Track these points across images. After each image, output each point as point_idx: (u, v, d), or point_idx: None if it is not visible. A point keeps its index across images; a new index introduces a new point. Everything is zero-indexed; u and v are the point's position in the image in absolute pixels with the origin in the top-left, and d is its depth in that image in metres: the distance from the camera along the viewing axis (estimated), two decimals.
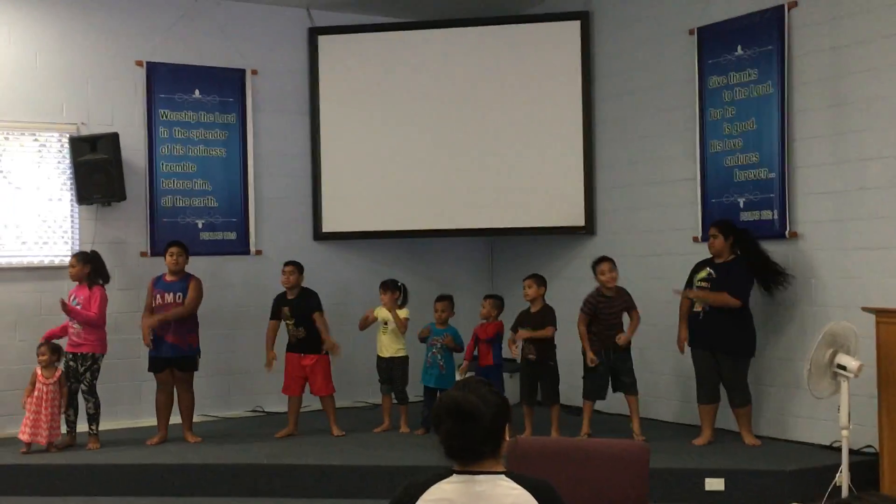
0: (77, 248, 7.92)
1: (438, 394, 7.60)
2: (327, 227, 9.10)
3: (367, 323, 7.95)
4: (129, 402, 8.21)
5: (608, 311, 7.18)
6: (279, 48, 9.01)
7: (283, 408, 7.87)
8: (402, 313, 7.81)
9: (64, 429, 7.30)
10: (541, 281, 7.43)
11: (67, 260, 7.61)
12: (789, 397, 7.02)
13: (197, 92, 8.60)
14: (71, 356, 7.28)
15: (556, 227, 8.82)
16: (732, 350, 6.87)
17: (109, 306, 7.48)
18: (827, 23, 6.78)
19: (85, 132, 8.08)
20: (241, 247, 8.76)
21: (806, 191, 6.94)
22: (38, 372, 7.15)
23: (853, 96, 6.63)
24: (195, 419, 7.70)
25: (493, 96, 8.95)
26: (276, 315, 7.77)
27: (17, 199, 7.95)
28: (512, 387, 7.85)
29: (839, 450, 5.80)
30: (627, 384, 7.18)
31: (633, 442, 3.82)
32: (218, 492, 6.58)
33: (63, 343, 7.32)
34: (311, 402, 8.04)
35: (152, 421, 7.67)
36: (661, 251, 7.91)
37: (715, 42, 7.53)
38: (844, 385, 5.63)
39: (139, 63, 8.39)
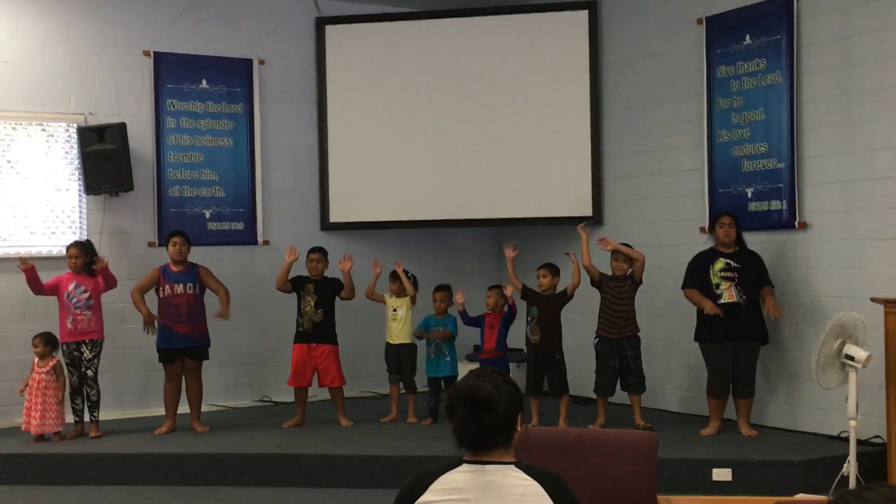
0: (85, 238, 7.92)
1: (443, 384, 7.62)
2: (334, 217, 9.11)
3: (372, 291, 7.93)
4: (136, 392, 8.23)
5: (614, 292, 7.17)
6: (286, 38, 9.00)
7: (291, 398, 7.88)
8: (407, 302, 7.82)
9: (71, 418, 7.32)
10: (555, 270, 7.43)
11: (66, 250, 7.55)
12: (797, 388, 7.01)
13: (204, 82, 8.60)
14: (74, 345, 7.28)
15: (564, 217, 8.81)
16: (757, 336, 6.89)
17: (118, 295, 7.53)
18: (836, 12, 6.75)
19: (93, 122, 8.09)
20: (248, 237, 8.77)
21: (814, 181, 6.92)
22: (35, 362, 7.20)
23: (862, 86, 6.60)
24: (203, 409, 7.72)
25: (501, 86, 8.93)
26: (295, 284, 7.74)
27: (26, 190, 7.96)
28: (519, 377, 7.86)
29: (847, 440, 5.79)
30: (633, 384, 7.19)
31: (641, 432, 3.82)
32: (226, 481, 6.60)
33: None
34: (318, 392, 8.05)
35: (160, 410, 7.70)
36: (669, 241, 7.90)
37: (723, 31, 7.50)
38: (852, 375, 5.62)
39: (147, 53, 8.39)
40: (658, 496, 3.55)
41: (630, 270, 7.21)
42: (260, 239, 8.79)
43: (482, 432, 2.70)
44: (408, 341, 7.86)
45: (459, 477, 2.71)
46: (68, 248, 7.49)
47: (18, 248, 7.89)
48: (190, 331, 7.47)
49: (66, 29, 8.12)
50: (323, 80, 9.10)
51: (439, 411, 7.64)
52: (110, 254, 7.94)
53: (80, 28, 8.17)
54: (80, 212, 8.14)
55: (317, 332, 7.67)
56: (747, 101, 7.34)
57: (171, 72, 8.48)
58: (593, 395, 8.03)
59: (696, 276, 7.03)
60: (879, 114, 6.50)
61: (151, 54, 8.40)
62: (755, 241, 7.11)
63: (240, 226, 8.76)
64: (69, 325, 7.29)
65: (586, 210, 8.66)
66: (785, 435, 6.93)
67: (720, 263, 6.92)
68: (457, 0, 9.13)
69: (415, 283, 7.95)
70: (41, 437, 7.14)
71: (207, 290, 7.66)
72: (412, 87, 9.09)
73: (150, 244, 8.34)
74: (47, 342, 7.26)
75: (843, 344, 5.64)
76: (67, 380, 7.27)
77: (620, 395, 7.43)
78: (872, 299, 6.18)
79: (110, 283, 7.44)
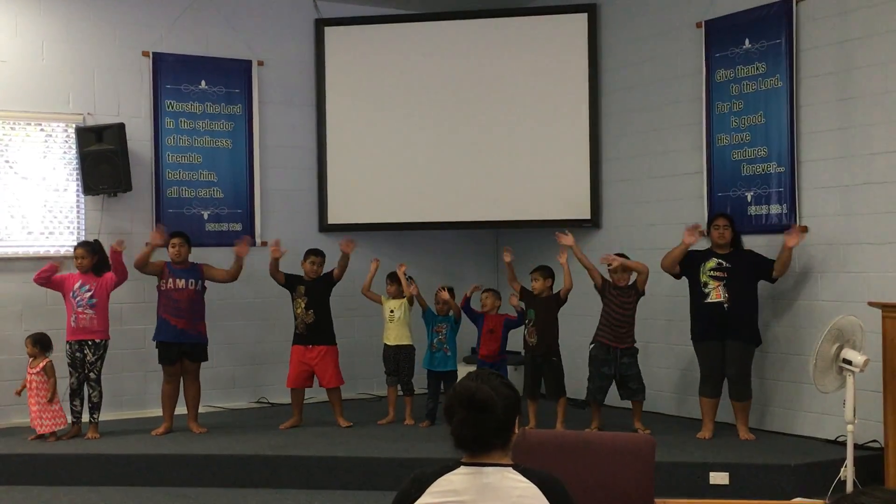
0: (83, 239, 7.92)
1: (443, 385, 7.63)
2: (333, 218, 9.10)
3: (368, 288, 7.93)
4: (134, 393, 8.23)
5: (616, 300, 7.17)
6: (286, 39, 9.00)
7: (288, 399, 7.87)
8: (404, 304, 7.83)
9: (70, 419, 7.32)
10: (548, 273, 7.44)
11: (73, 251, 7.61)
12: (795, 392, 7.01)
13: (203, 83, 8.60)
14: (77, 345, 7.28)
15: (562, 220, 8.80)
16: (747, 338, 6.87)
17: (115, 296, 7.53)
18: (835, 17, 6.76)
19: (91, 122, 8.08)
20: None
21: (813, 185, 6.92)
22: (28, 363, 7.23)
23: (861, 90, 6.61)
24: (200, 410, 7.71)
25: (500, 89, 8.93)
26: (288, 282, 7.76)
27: (24, 190, 7.96)
28: (516, 380, 7.86)
29: (844, 444, 5.80)
30: (634, 390, 7.19)
31: (638, 435, 3.82)
32: (223, 482, 6.59)
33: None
34: (315, 394, 8.05)
35: (157, 411, 7.69)
36: (667, 245, 7.86)
37: (722, 35, 7.51)
38: (850, 380, 5.62)
39: (146, 53, 8.39)
40: (655, 499, 3.55)
41: (633, 281, 7.21)
42: (258, 240, 8.78)
43: (480, 434, 2.70)
44: (405, 343, 7.85)
45: (457, 479, 2.71)
46: (75, 248, 7.51)
47: (16, 248, 7.89)
48: (187, 326, 7.48)
49: (65, 29, 8.12)
50: (322, 81, 9.09)
51: (437, 413, 7.64)
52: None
53: (79, 28, 8.16)
54: (79, 212, 8.13)
55: (311, 333, 7.68)
56: (747, 105, 7.35)
57: (170, 72, 8.48)
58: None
59: (685, 262, 7.04)
60: (878, 118, 6.51)
61: (150, 55, 8.40)
62: (754, 244, 7.11)
63: (238, 227, 8.75)
64: (72, 324, 7.30)
65: (584, 213, 8.67)
66: (782, 439, 6.93)
67: (712, 262, 6.95)
68: (456, 2, 9.13)
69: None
70: (41, 437, 7.14)
71: (208, 293, 7.68)
72: (411, 90, 9.09)
73: (148, 245, 8.32)
74: (35, 343, 7.26)
75: (840, 348, 5.65)
76: (57, 380, 7.25)
77: (616, 399, 7.42)
78: (870, 303, 6.18)
79: (120, 273, 7.41)
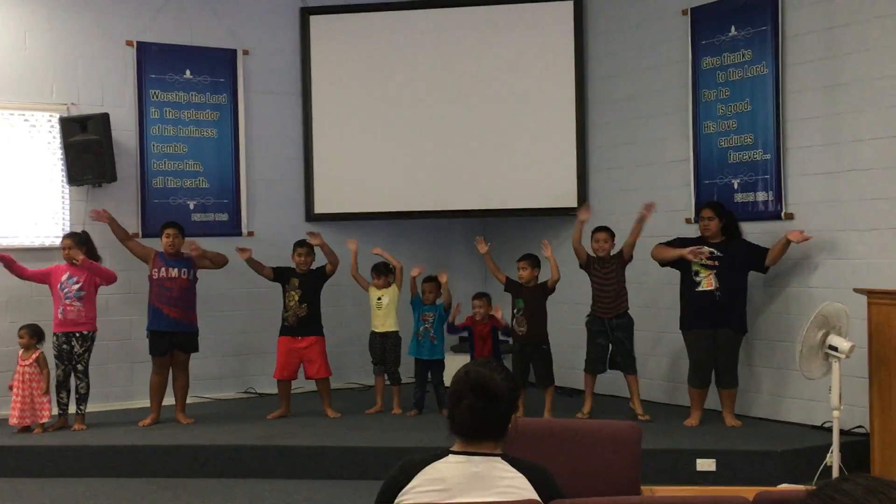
0: (68, 230, 7.88)
1: (430, 375, 7.63)
2: (319, 208, 9.08)
3: (355, 270, 7.92)
4: (121, 384, 8.20)
5: (601, 273, 7.21)
6: (271, 28, 8.95)
7: (276, 389, 7.86)
8: (392, 291, 7.82)
9: (56, 410, 7.29)
10: (535, 261, 7.44)
11: (58, 241, 7.57)
12: (781, 378, 7.04)
13: (188, 72, 8.55)
14: (64, 337, 7.25)
15: (549, 209, 8.82)
16: (736, 326, 6.89)
17: (102, 288, 7.49)
18: (820, 4, 6.76)
19: (75, 112, 8.02)
20: (232, 228, 8.73)
21: (800, 172, 6.94)
22: (19, 354, 7.17)
23: (847, 77, 6.62)
24: (187, 401, 7.69)
25: (486, 77, 8.91)
26: (279, 275, 7.74)
27: (8, 180, 7.90)
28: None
29: (830, 430, 5.82)
30: (621, 364, 7.21)
31: (625, 423, 3.82)
32: (210, 473, 6.58)
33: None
34: (303, 384, 8.04)
35: (144, 403, 7.67)
36: (654, 233, 7.87)
37: (708, 22, 7.50)
38: (836, 366, 5.65)
39: (130, 43, 8.34)
40: (642, 486, 3.56)
41: (614, 251, 7.24)
42: (244, 230, 8.75)
43: (486, 422, 2.71)
44: (392, 329, 7.85)
45: (445, 467, 2.71)
46: (63, 239, 7.47)
47: (1, 240, 7.84)
48: (180, 316, 7.47)
49: (48, 18, 8.06)
50: (307, 70, 9.06)
51: (424, 402, 7.64)
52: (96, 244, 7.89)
53: (62, 17, 8.10)
54: (63, 202, 8.08)
55: (301, 325, 7.66)
56: (733, 93, 7.35)
57: (155, 62, 8.42)
58: (578, 387, 8.04)
59: (676, 245, 7.06)
60: (864, 105, 6.52)
61: (135, 44, 8.35)
62: None
63: (224, 217, 8.72)
64: (60, 316, 7.26)
65: (571, 201, 8.66)
66: (769, 425, 6.96)
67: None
68: None
69: (394, 274, 7.91)
70: (26, 429, 7.11)
71: (201, 280, 7.66)
72: (397, 78, 9.06)
73: (134, 235, 8.28)
74: (33, 334, 7.23)
75: (826, 334, 5.67)
76: (52, 372, 7.23)
77: (614, 387, 7.45)
78: (856, 290, 6.21)
79: (108, 279, 7.41)
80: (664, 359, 7.86)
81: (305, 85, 9.07)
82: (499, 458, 2.73)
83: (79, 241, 7.40)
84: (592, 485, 3.46)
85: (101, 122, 7.89)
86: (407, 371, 7.96)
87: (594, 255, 7.31)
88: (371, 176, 9.07)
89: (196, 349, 7.65)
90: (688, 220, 7.62)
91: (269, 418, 7.58)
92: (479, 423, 2.71)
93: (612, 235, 7.31)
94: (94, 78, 8.20)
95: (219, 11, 8.69)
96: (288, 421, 7.53)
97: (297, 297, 7.65)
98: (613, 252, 7.30)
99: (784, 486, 5.53)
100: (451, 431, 2.75)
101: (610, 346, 7.27)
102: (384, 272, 7.86)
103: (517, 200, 8.90)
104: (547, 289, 7.35)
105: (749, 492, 2.83)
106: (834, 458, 5.68)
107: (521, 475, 2.70)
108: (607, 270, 7.25)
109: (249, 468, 6.59)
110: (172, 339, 7.48)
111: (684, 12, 7.68)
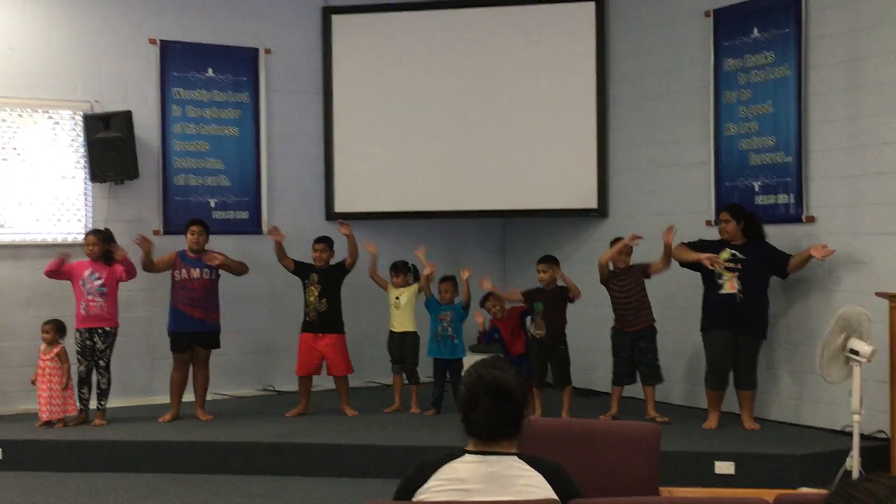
0: (90, 226, 7.94)
1: (449, 371, 7.63)
2: (339, 207, 9.10)
3: (375, 271, 7.93)
4: (141, 380, 8.25)
5: (620, 288, 7.19)
6: (293, 27, 8.98)
7: (295, 387, 7.89)
8: (410, 291, 7.83)
9: (78, 406, 7.33)
10: (553, 262, 7.44)
11: (81, 238, 7.63)
12: (801, 382, 7.00)
13: (210, 70, 8.60)
14: (87, 333, 7.30)
15: (569, 210, 8.81)
16: (756, 331, 6.87)
17: (124, 284, 7.54)
18: (844, 6, 6.72)
19: (98, 110, 8.08)
20: (253, 226, 8.76)
21: (821, 174, 6.90)
22: (41, 349, 7.23)
23: (869, 80, 6.58)
24: (206, 397, 7.72)
25: (508, 78, 8.91)
26: (299, 269, 7.77)
27: (31, 177, 7.97)
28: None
29: (850, 434, 5.79)
30: (645, 375, 7.21)
31: (644, 424, 3.81)
32: (229, 469, 6.61)
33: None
34: (322, 382, 8.06)
35: (164, 399, 7.71)
36: (674, 235, 7.87)
37: (731, 24, 7.47)
38: (857, 370, 5.61)
39: (153, 41, 8.39)
40: (660, 488, 3.55)
41: (631, 264, 7.21)
42: (265, 228, 8.78)
43: (505, 422, 2.71)
44: (410, 329, 7.86)
45: (462, 467, 2.71)
46: (86, 235, 7.52)
47: (24, 236, 7.91)
48: (203, 316, 7.51)
49: (73, 16, 8.12)
50: (329, 69, 9.08)
51: (443, 402, 7.64)
52: (116, 242, 7.95)
53: (86, 15, 8.16)
54: (86, 199, 8.15)
55: (322, 321, 7.68)
56: (755, 95, 7.32)
57: (178, 60, 8.47)
58: (597, 388, 8.04)
59: (698, 248, 7.02)
60: (887, 108, 6.47)
61: (158, 42, 8.40)
62: None
63: (244, 215, 8.76)
64: (82, 312, 7.31)
65: (591, 202, 8.65)
66: (788, 429, 6.92)
67: (726, 254, 6.89)
68: None
69: (416, 275, 7.94)
70: (48, 424, 7.16)
71: (222, 278, 7.70)
72: (418, 78, 9.07)
73: (155, 232, 8.34)
74: (58, 329, 7.28)
75: (847, 338, 5.63)
76: (74, 367, 7.29)
77: (634, 389, 7.43)
78: (878, 294, 6.17)
79: (130, 273, 7.44)
80: (682, 361, 7.83)
81: (327, 84, 9.09)
82: (515, 458, 2.73)
83: (102, 238, 7.45)
84: (611, 486, 3.46)
85: (124, 119, 7.94)
86: (425, 371, 7.97)
87: (613, 268, 7.27)
88: (391, 175, 9.08)
89: (217, 345, 7.69)
90: (708, 223, 7.59)
91: (288, 416, 7.60)
92: (498, 424, 2.71)
93: (631, 247, 7.26)
94: (118, 75, 8.26)
95: (241, 10, 8.73)
96: (306, 419, 7.55)
97: (316, 293, 7.68)
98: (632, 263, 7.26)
99: (803, 490, 5.50)
100: (468, 434, 2.76)
101: (632, 358, 7.24)
102: (403, 270, 7.87)
103: (537, 201, 8.88)
104: (566, 295, 7.34)
105: (768, 495, 2.82)
106: (854, 463, 5.65)
107: (537, 473, 2.70)
108: (624, 284, 7.21)
109: (268, 465, 6.62)
110: (194, 335, 7.52)
111: (707, 14, 7.65)
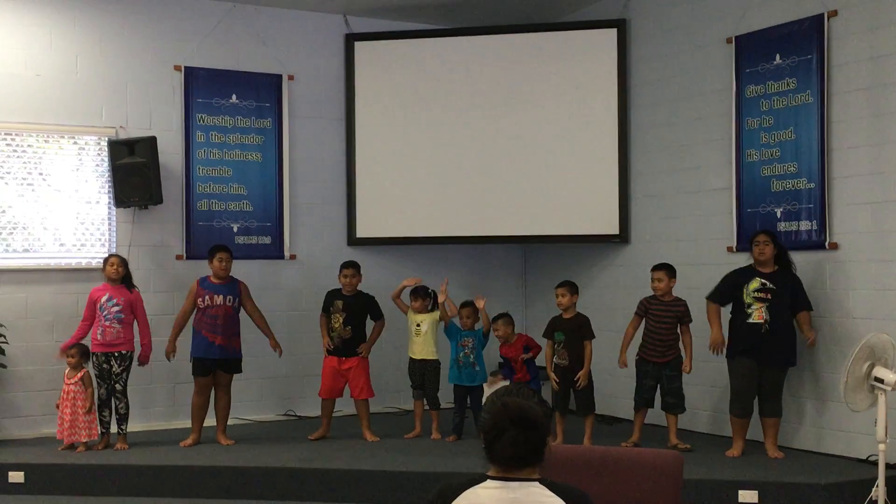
0: (114, 251, 8.00)
1: (470, 397, 7.61)
2: (361, 232, 9.13)
3: (398, 295, 7.94)
4: (163, 404, 8.27)
5: (658, 316, 7.15)
6: (316, 54, 9.06)
7: (316, 412, 7.90)
8: (432, 317, 7.83)
9: (100, 429, 7.37)
10: (574, 289, 7.41)
11: (108, 258, 7.61)
12: (825, 410, 6.94)
13: (234, 97, 8.67)
14: (104, 357, 7.34)
15: (590, 235, 8.80)
16: (783, 360, 6.82)
17: (147, 308, 7.60)
18: (867, 32, 6.71)
19: (123, 136, 8.17)
20: (275, 251, 8.81)
21: (844, 201, 6.86)
22: (66, 373, 7.28)
23: (892, 106, 6.55)
24: (228, 422, 7.73)
25: (529, 104, 8.94)
26: (326, 308, 7.81)
27: (56, 202, 8.05)
28: (545, 395, 7.82)
29: (875, 464, 5.72)
30: (671, 404, 7.15)
31: (666, 452, 3.78)
32: (250, 494, 6.61)
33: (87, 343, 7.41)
34: (342, 407, 8.06)
35: (186, 423, 7.73)
36: (696, 261, 7.86)
37: (753, 51, 7.48)
38: (881, 398, 5.56)
39: (177, 67, 8.48)
40: None
41: (674, 297, 7.19)
42: (287, 253, 8.83)
43: (530, 451, 2.70)
44: (431, 357, 7.85)
45: (484, 493, 2.70)
46: (111, 256, 7.56)
47: (48, 260, 7.97)
48: (224, 343, 7.51)
49: (99, 43, 8.22)
50: (351, 95, 9.15)
51: (464, 428, 7.62)
52: (139, 266, 8.01)
53: (112, 42, 8.26)
54: (110, 224, 8.21)
55: (346, 347, 7.70)
56: (777, 121, 7.31)
57: (202, 86, 8.56)
58: (619, 415, 7.98)
59: (728, 291, 6.96)
60: None
61: (182, 69, 8.48)
62: None
63: (267, 240, 8.80)
64: (99, 337, 7.35)
65: (613, 228, 8.64)
66: (812, 457, 6.86)
67: (755, 283, 6.85)
68: (485, 17, 9.17)
69: (434, 300, 7.91)
70: (70, 447, 7.20)
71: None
72: (440, 104, 9.12)
73: (178, 257, 8.40)
74: (82, 353, 7.33)
75: (872, 366, 5.58)
76: (96, 391, 7.33)
77: (655, 416, 7.38)
78: None
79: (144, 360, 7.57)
80: (706, 389, 7.78)
81: (349, 110, 9.15)
82: (537, 483, 2.72)
83: (125, 262, 7.52)
84: None
85: (149, 144, 8.01)
86: (446, 396, 7.95)
87: (652, 294, 7.24)
88: (413, 201, 9.11)
89: (240, 370, 7.71)
90: (730, 249, 7.56)
91: (311, 439, 7.60)
92: (525, 452, 2.70)
93: (673, 273, 7.21)
94: (143, 102, 8.34)
95: (265, 37, 8.82)
96: (327, 444, 7.55)
97: (341, 320, 7.69)
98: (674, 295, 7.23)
99: None
100: (491, 462, 2.74)
101: (657, 386, 7.20)
102: (423, 295, 7.86)
103: (559, 227, 8.88)
104: (586, 327, 7.31)
105: None
106: (879, 493, 5.58)
107: (559, 499, 2.68)
108: (662, 313, 7.16)
109: (288, 490, 6.61)
110: (216, 361, 7.54)
111: (729, 41, 7.66)
